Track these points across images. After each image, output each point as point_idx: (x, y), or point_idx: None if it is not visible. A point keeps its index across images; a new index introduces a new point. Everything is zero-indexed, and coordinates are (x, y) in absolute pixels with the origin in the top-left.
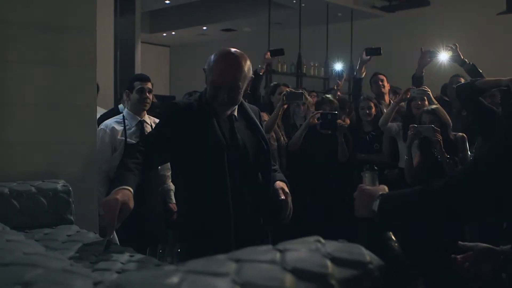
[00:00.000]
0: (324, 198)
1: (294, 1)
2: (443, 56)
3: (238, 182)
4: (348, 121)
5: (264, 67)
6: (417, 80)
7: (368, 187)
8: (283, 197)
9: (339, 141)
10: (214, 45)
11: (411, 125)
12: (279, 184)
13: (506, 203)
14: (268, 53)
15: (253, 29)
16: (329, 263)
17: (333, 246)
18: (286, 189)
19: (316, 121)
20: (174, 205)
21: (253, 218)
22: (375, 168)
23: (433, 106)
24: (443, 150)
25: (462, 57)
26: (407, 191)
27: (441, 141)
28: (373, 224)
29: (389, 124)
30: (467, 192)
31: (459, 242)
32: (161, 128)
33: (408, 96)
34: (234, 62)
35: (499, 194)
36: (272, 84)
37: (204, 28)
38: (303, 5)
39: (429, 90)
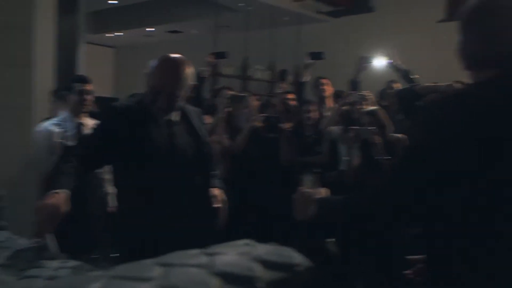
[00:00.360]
0: (264, 200)
1: (241, 5)
2: (380, 62)
3: (176, 186)
4: (288, 125)
5: (208, 69)
6: (354, 85)
7: (308, 190)
8: (218, 204)
9: (282, 144)
10: (160, 47)
11: (351, 127)
12: (215, 191)
13: (415, 210)
14: (212, 56)
15: (200, 32)
16: (257, 266)
17: (263, 249)
18: (222, 197)
19: (260, 124)
20: (113, 209)
21: (191, 222)
22: (316, 171)
23: (372, 108)
24: (382, 151)
25: (398, 63)
26: (340, 198)
27: (380, 142)
28: (312, 227)
29: (330, 127)
30: (382, 199)
31: (408, 257)
32: (98, 130)
33: (350, 100)
34: (175, 68)
35: (407, 201)
36: (216, 87)
37: (150, 29)
38: (250, 8)
39: (372, 95)
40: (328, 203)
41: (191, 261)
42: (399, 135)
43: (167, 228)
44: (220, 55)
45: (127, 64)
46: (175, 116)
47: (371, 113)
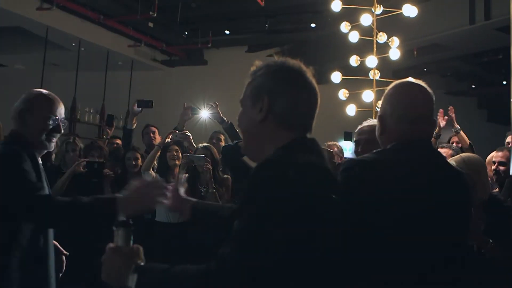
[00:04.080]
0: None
1: (73, 44)
2: (204, 113)
3: None
4: (109, 171)
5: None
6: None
7: (121, 249)
8: None
9: (106, 190)
10: None
11: (184, 154)
12: None
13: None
14: (135, 105)
15: (27, 67)
16: None
17: None
18: None
19: (82, 169)
20: None
21: None
22: (130, 222)
23: (206, 144)
24: (212, 180)
25: (221, 115)
26: (167, 269)
27: (211, 171)
28: None
29: (153, 173)
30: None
31: None
32: None
33: (169, 139)
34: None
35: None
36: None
37: None
38: (82, 49)
39: (190, 134)
40: (155, 276)
41: None
42: (228, 176)
43: None
44: (145, 104)
45: None
46: None
47: (205, 147)
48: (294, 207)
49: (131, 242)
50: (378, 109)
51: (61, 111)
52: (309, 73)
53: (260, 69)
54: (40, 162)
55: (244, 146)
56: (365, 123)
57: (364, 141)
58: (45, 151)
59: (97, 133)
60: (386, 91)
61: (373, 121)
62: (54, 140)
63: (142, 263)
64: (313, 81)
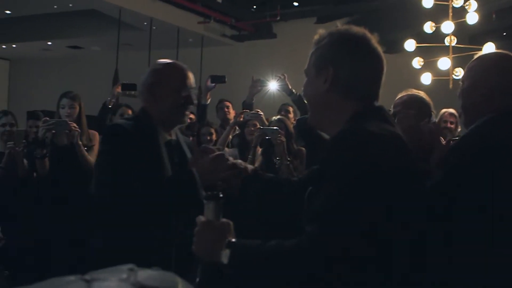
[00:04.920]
0: None
1: (145, 23)
2: (273, 85)
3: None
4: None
5: (114, 100)
6: (247, 107)
7: (213, 224)
8: None
9: None
10: (59, 62)
11: (257, 127)
12: None
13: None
14: (119, 87)
15: (102, 48)
16: None
17: (144, 275)
18: None
19: None
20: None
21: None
22: (220, 195)
23: (280, 117)
24: (286, 152)
25: (290, 87)
26: (261, 246)
27: (284, 144)
28: (216, 268)
29: (227, 149)
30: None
31: None
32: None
33: (242, 119)
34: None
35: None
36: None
37: (49, 43)
38: (154, 28)
39: (262, 113)
40: (248, 252)
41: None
42: (302, 148)
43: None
44: (128, 87)
45: (22, 78)
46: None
47: (279, 120)
48: (379, 179)
49: (221, 215)
50: (455, 77)
51: (191, 81)
52: (373, 40)
53: (323, 38)
54: (173, 137)
55: (310, 115)
56: (400, 95)
57: (399, 113)
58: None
59: None
60: (478, 62)
61: (409, 93)
62: (187, 113)
63: (233, 239)
64: (378, 48)
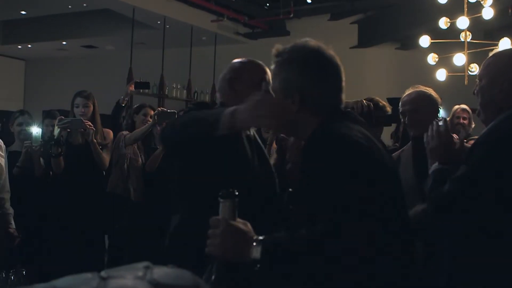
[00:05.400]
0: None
1: (159, 22)
2: None
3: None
4: None
5: (127, 99)
6: None
7: (237, 224)
8: None
9: None
10: (74, 61)
11: None
12: None
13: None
14: (132, 86)
15: (116, 48)
16: None
17: (160, 272)
18: None
19: None
20: (15, 230)
21: None
22: (236, 193)
23: None
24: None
25: None
26: (291, 238)
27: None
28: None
29: None
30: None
31: None
32: None
33: None
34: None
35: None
36: (136, 105)
37: (64, 43)
38: (167, 26)
39: None
40: (279, 246)
41: (83, 286)
42: None
43: None
44: (142, 86)
45: (38, 78)
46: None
47: None
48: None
49: (236, 213)
50: (470, 73)
51: (269, 76)
52: (327, 48)
53: (282, 54)
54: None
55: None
56: (408, 92)
57: (408, 111)
58: None
59: (184, 108)
60: (494, 59)
61: (416, 89)
62: None
63: (260, 237)
64: (334, 55)
